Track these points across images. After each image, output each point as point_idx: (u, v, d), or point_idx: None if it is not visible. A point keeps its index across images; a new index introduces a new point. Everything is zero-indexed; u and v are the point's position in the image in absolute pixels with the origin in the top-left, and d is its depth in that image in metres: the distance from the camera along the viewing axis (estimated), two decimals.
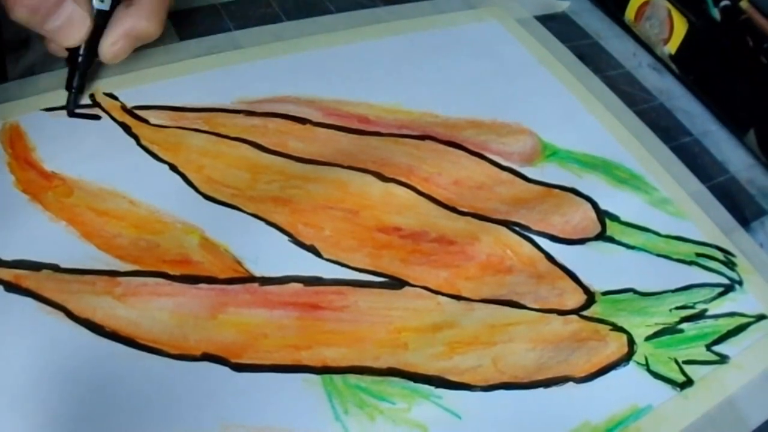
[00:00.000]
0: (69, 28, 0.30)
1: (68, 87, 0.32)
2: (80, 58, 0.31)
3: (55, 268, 0.26)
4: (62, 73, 0.32)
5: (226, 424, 0.23)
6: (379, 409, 0.25)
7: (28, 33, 0.34)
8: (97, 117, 0.32)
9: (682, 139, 0.39)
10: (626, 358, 0.28)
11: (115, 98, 0.32)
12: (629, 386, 0.27)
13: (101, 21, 0.30)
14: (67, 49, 0.32)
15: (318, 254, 0.29)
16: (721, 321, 0.30)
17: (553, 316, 0.29)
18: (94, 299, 0.25)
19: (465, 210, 0.31)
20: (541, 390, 0.26)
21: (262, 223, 0.29)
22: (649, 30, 0.44)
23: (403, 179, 0.32)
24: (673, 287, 0.31)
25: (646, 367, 0.28)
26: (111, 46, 0.31)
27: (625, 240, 0.32)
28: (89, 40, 0.31)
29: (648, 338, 0.29)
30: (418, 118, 0.35)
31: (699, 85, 0.42)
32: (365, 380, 0.25)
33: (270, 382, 0.25)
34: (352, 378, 0.25)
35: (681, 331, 0.29)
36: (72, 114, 0.32)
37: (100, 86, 0.32)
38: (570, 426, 0.26)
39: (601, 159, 0.35)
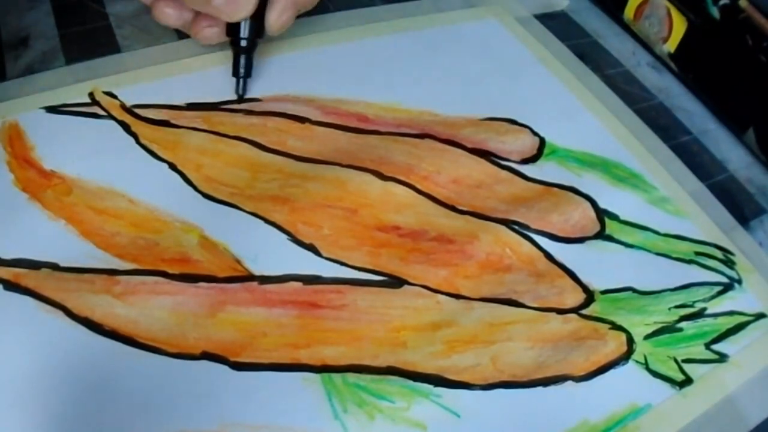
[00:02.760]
0: (237, 3, 0.29)
1: (235, 73, 0.32)
2: (244, 42, 0.31)
3: (54, 266, 0.26)
4: (61, 72, 0.32)
5: (225, 423, 0.23)
6: (378, 408, 0.25)
7: (28, 32, 0.35)
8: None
9: (681, 137, 0.39)
10: (625, 357, 0.28)
11: (114, 97, 0.32)
12: (628, 385, 0.27)
13: None
14: (230, 34, 0.31)
15: (317, 253, 0.29)
16: (721, 320, 0.30)
17: (552, 314, 0.29)
18: (93, 298, 0.25)
19: (464, 209, 0.31)
20: (539, 389, 0.26)
21: (261, 222, 0.29)
22: (649, 29, 0.44)
23: (402, 178, 0.32)
24: (672, 286, 0.31)
25: (645, 365, 0.28)
26: (279, 17, 0.31)
27: (624, 239, 0.32)
28: (253, 18, 0.30)
29: (647, 337, 0.29)
30: (417, 117, 0.35)
31: (698, 83, 0.42)
32: (364, 379, 0.25)
33: (269, 381, 0.25)
34: (351, 377, 0.25)
35: (680, 329, 0.29)
36: (241, 99, 0.32)
37: (99, 85, 0.32)
38: (569, 425, 0.26)
39: (600, 158, 0.35)
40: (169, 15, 0.32)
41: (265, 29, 0.32)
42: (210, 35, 0.32)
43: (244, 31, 0.31)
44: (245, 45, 0.32)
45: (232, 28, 0.32)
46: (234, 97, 0.33)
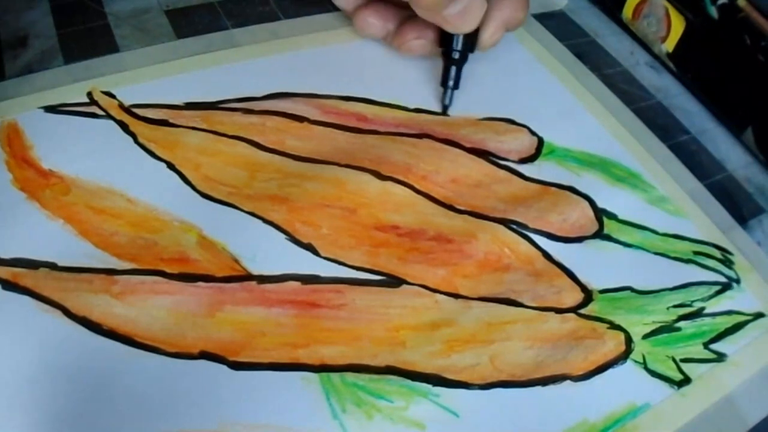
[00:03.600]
0: (467, 14, 0.30)
1: (444, 83, 0.33)
2: (457, 54, 0.32)
3: (53, 266, 0.26)
4: (60, 72, 0.32)
5: (224, 423, 0.23)
6: (377, 408, 0.25)
7: (27, 31, 0.34)
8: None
9: (679, 137, 0.39)
10: (624, 357, 0.28)
11: (113, 96, 0.32)
12: (627, 384, 0.27)
13: None
14: (442, 45, 0.32)
15: (315, 252, 0.29)
16: (719, 319, 0.30)
17: (551, 314, 0.29)
18: (91, 297, 0.25)
19: (462, 208, 0.31)
20: (538, 388, 0.26)
21: (259, 222, 0.29)
22: (647, 28, 0.44)
23: (400, 177, 0.32)
24: (670, 285, 0.31)
25: (644, 365, 0.28)
26: (492, 35, 0.32)
27: (622, 238, 0.32)
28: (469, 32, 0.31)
29: (645, 336, 0.29)
30: (416, 117, 0.35)
31: (696, 83, 0.42)
32: (363, 378, 0.25)
33: (268, 381, 0.25)
34: (350, 376, 0.25)
35: (678, 329, 0.29)
36: (445, 111, 0.33)
37: (98, 84, 0.32)
38: (567, 424, 0.26)
39: (599, 157, 0.35)
40: (373, 25, 0.34)
41: (477, 45, 0.33)
42: (416, 47, 0.33)
43: (458, 44, 0.32)
44: (457, 57, 0.33)
45: (446, 40, 0.33)
46: (224, 100, 0.33)
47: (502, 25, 0.32)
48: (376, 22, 0.35)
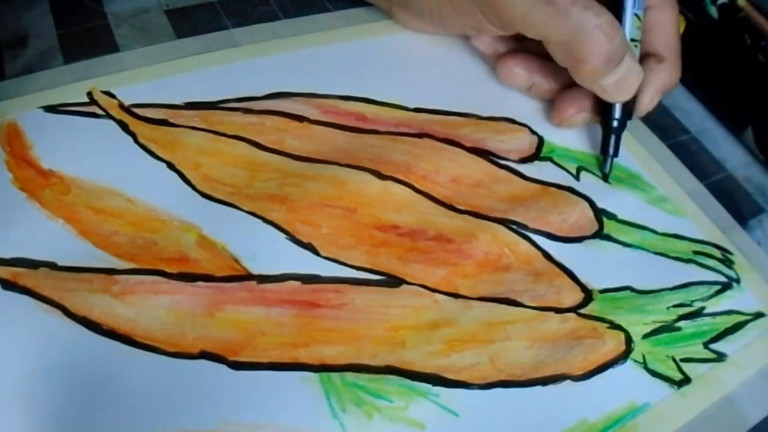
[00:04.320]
0: (625, 84, 0.31)
1: (604, 151, 0.33)
2: (616, 122, 0.33)
3: (53, 266, 0.26)
4: (60, 72, 0.32)
5: (224, 422, 0.23)
6: (377, 407, 0.25)
7: (26, 31, 0.34)
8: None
9: (679, 137, 0.40)
10: (624, 356, 0.28)
11: (113, 96, 0.32)
12: (627, 384, 0.27)
13: None
14: (601, 114, 0.33)
15: (315, 252, 0.29)
16: (719, 319, 0.30)
17: (551, 314, 0.29)
18: (91, 297, 0.25)
19: (462, 208, 0.31)
20: (538, 388, 0.26)
21: (259, 221, 0.29)
22: None
23: (400, 177, 0.32)
24: (670, 285, 0.31)
25: (644, 365, 0.28)
26: (650, 101, 0.32)
27: (622, 238, 0.32)
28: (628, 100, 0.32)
29: (645, 336, 0.29)
30: (416, 116, 0.35)
31: (696, 82, 0.42)
32: (363, 378, 0.25)
33: (267, 380, 0.25)
34: (350, 376, 0.25)
35: (678, 329, 0.29)
36: (606, 179, 0.34)
37: (98, 84, 0.32)
38: (567, 424, 0.26)
39: (599, 157, 0.35)
40: (519, 76, 0.35)
41: (635, 111, 0.33)
42: (578, 121, 0.34)
43: (616, 113, 0.33)
44: (616, 126, 0.33)
45: (604, 108, 0.33)
46: (224, 100, 0.33)
47: (659, 90, 0.32)
48: (522, 73, 0.35)
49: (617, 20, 0.30)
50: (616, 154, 0.34)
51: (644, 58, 0.33)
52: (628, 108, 0.33)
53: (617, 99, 0.32)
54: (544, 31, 0.30)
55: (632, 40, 0.32)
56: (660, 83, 0.33)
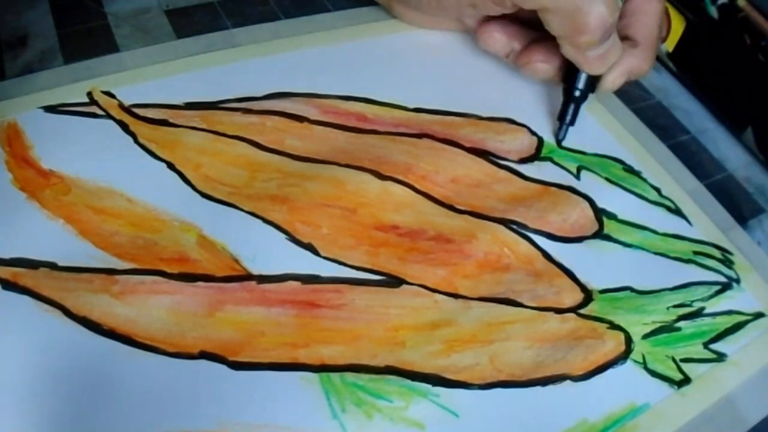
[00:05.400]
0: (605, 58, 0.31)
1: (561, 118, 0.34)
2: (578, 92, 0.33)
3: (53, 266, 0.26)
4: (60, 72, 0.32)
5: (224, 422, 0.23)
6: (377, 408, 0.25)
7: (26, 31, 0.34)
8: None
9: (679, 137, 0.39)
10: (623, 357, 0.28)
11: (113, 96, 0.32)
12: (627, 384, 0.27)
13: None
14: (565, 81, 0.34)
15: (315, 252, 0.29)
16: (719, 319, 0.30)
17: (551, 314, 0.29)
18: (91, 297, 0.25)
19: (462, 208, 0.31)
20: (538, 388, 0.26)
21: (259, 221, 0.29)
22: None
23: (400, 177, 0.32)
24: (670, 285, 0.31)
25: (644, 365, 0.28)
26: (613, 81, 0.33)
27: (622, 238, 0.32)
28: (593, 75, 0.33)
29: (645, 336, 0.29)
30: (416, 117, 0.35)
31: (696, 83, 0.42)
32: (363, 378, 0.25)
33: (267, 381, 0.25)
34: (350, 376, 0.25)
35: (678, 329, 0.29)
36: (560, 145, 0.34)
37: (98, 84, 0.32)
38: (567, 424, 0.26)
39: (599, 157, 0.35)
40: (498, 41, 0.35)
41: (598, 86, 0.34)
42: (542, 69, 0.34)
43: (581, 82, 0.33)
44: (578, 95, 0.33)
45: (570, 76, 0.33)
46: (225, 100, 0.33)
47: (626, 72, 0.33)
48: (502, 38, 0.35)
49: None
50: (573, 122, 0.34)
51: (620, 40, 0.33)
52: (594, 81, 0.33)
53: (594, 71, 0.32)
54: None
55: None
56: (629, 66, 0.33)
